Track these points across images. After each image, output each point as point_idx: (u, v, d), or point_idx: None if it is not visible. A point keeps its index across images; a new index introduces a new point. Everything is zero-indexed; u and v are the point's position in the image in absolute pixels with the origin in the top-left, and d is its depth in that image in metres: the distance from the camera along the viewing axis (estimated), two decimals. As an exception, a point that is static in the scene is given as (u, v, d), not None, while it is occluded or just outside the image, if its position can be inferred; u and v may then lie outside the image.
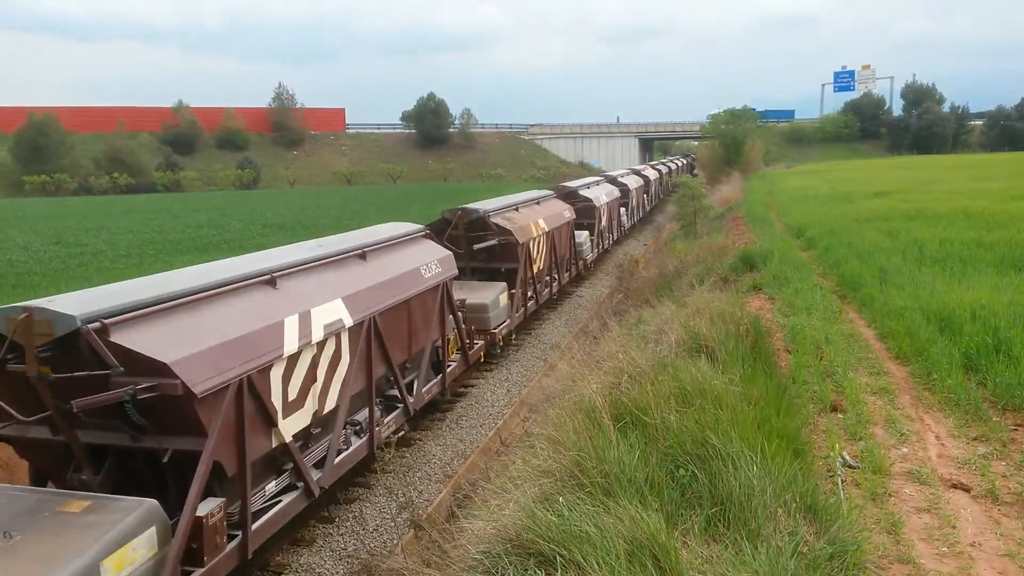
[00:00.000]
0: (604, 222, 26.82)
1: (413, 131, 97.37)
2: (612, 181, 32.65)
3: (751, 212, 28.10)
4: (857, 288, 12.79)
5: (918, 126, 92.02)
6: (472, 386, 14.38)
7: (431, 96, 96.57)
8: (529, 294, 17.49)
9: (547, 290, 19.28)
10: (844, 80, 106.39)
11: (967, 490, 5.86)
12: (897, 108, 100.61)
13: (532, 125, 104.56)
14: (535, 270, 17.82)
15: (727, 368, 7.86)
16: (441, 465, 11.01)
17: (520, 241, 16.27)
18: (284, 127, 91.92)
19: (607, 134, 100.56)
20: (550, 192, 23.07)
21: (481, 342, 14.34)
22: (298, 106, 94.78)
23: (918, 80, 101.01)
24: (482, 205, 16.64)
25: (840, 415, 7.50)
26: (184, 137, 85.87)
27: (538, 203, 19.73)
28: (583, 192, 25.73)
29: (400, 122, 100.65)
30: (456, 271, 12.85)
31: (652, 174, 44.27)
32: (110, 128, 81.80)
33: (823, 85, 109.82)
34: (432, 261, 11.88)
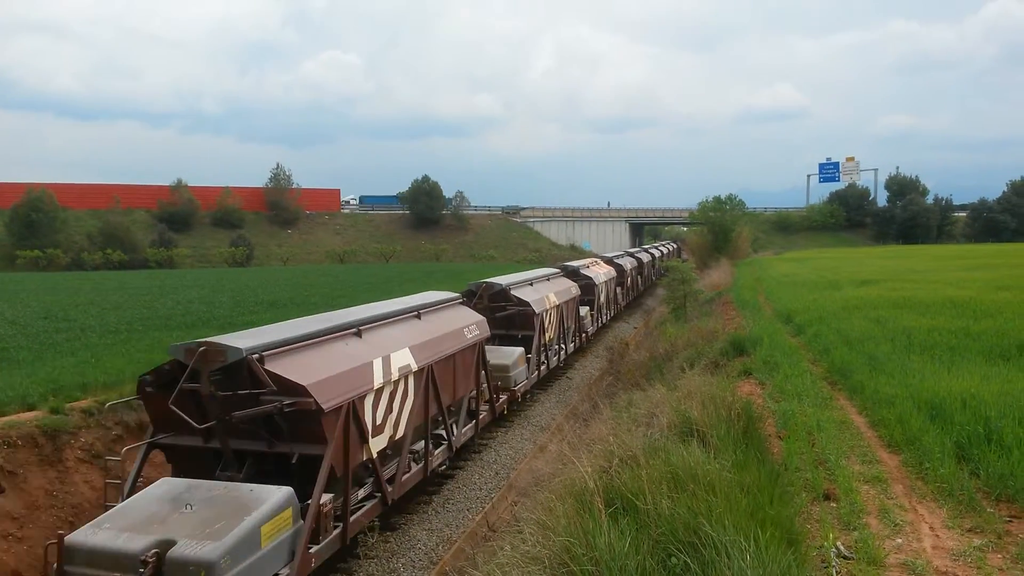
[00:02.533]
0: (629, 282, 39.92)
1: (407, 212, 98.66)
2: (632, 255, 45.60)
3: (740, 297, 28.31)
4: (847, 375, 12.78)
5: (903, 217, 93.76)
6: (459, 468, 14.13)
7: (425, 178, 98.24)
8: (602, 313, 30.26)
9: (606, 316, 31.84)
10: (829, 171, 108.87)
11: (964, 583, 5.74)
12: (882, 199, 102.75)
13: (524, 208, 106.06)
14: (602, 300, 29.88)
15: (719, 453, 7.78)
16: (426, 551, 10.72)
17: (597, 283, 29.04)
18: (280, 206, 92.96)
19: (598, 218, 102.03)
20: (598, 259, 36.66)
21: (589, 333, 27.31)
22: (294, 186, 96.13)
23: (901, 172, 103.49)
24: (571, 264, 29.90)
25: (833, 504, 7.39)
26: (180, 215, 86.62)
27: (597, 263, 32.45)
28: (616, 260, 38.08)
29: (395, 203, 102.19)
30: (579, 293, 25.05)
31: (656, 252, 61.06)
32: (105, 204, 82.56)
33: (808, 176, 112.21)
34: (572, 287, 23.56)
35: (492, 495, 12.77)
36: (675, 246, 77.87)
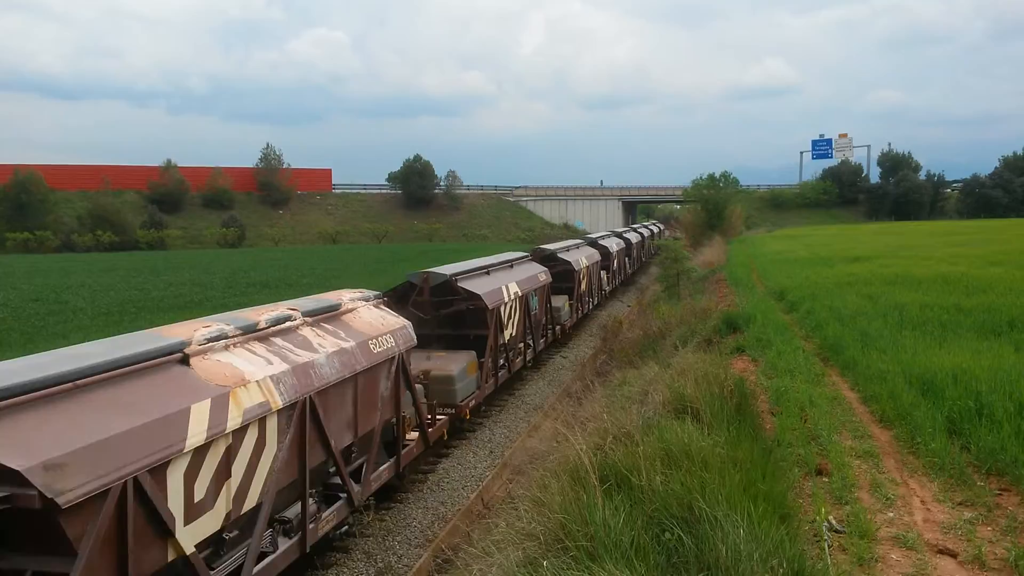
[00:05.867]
0: (635, 252, 46.94)
1: (399, 192, 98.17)
2: (635, 231, 53.20)
3: (733, 275, 28.39)
4: (839, 351, 12.84)
5: (896, 193, 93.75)
6: (453, 446, 14.20)
7: (417, 158, 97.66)
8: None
9: (618, 279, 38.24)
10: (822, 148, 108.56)
11: (954, 556, 5.81)
12: (874, 175, 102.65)
13: (517, 187, 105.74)
14: (615, 266, 36.20)
15: (712, 430, 7.82)
16: (421, 529, 10.79)
17: (612, 252, 35.13)
18: (271, 187, 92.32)
19: (591, 197, 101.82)
20: (618, 232, 44.92)
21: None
22: (285, 166, 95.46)
23: (894, 148, 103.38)
24: (598, 237, 37.18)
25: (825, 479, 7.46)
26: (170, 196, 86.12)
27: (626, 233, 44.82)
28: (626, 236, 44.48)
29: (386, 183, 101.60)
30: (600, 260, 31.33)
31: (654, 228, 69.57)
32: (95, 186, 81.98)
33: (801, 153, 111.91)
34: (595, 253, 30.55)
35: (487, 473, 12.84)
36: (659, 228, 75.42)
